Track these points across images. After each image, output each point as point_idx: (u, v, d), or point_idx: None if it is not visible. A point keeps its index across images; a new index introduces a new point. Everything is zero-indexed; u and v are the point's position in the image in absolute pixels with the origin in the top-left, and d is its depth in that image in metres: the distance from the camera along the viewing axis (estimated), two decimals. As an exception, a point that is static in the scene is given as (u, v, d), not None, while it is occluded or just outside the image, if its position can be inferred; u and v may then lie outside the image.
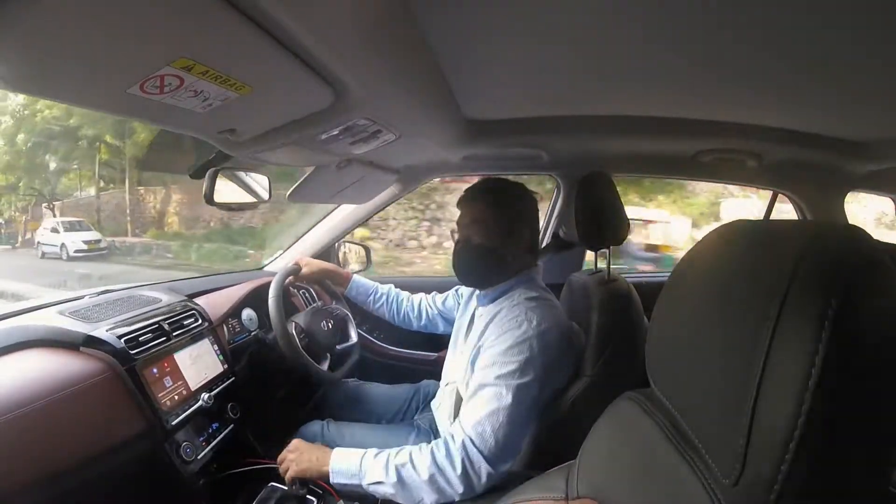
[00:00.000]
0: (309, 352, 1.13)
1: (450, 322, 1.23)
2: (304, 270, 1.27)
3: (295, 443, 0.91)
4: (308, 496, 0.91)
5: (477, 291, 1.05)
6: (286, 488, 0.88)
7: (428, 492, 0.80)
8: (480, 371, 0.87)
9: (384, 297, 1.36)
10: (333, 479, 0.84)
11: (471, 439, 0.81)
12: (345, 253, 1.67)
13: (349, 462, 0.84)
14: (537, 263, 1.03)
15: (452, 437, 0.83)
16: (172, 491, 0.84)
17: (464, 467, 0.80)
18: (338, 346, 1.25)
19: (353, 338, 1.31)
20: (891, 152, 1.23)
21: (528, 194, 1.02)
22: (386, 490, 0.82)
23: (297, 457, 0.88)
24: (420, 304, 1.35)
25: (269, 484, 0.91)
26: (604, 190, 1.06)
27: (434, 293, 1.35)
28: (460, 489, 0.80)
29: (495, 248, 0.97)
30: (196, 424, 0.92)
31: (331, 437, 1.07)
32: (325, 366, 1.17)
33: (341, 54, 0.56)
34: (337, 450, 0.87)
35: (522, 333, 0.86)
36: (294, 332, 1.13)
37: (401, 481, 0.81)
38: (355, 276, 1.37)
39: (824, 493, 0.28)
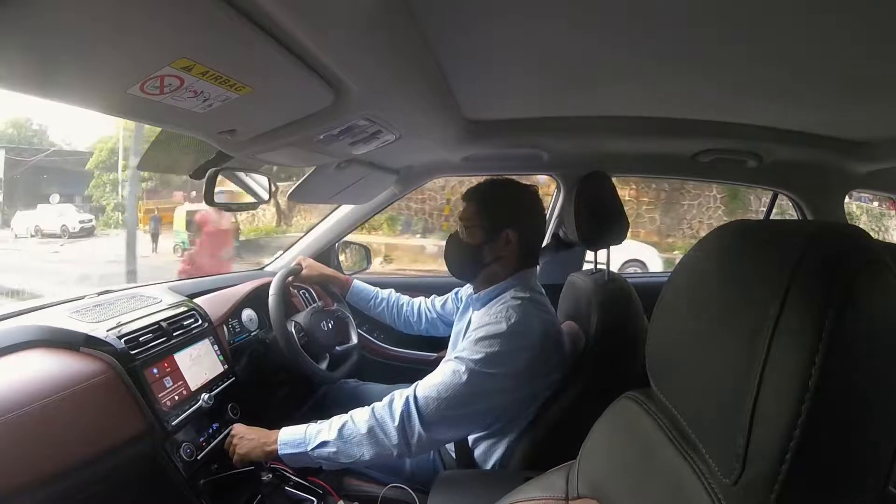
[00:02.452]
0: (307, 351, 1.13)
1: (449, 325, 1.23)
2: (305, 272, 1.27)
3: (237, 427, 0.94)
4: (308, 496, 0.91)
5: (473, 295, 1.05)
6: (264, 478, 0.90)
7: (367, 446, 0.84)
8: (451, 354, 0.91)
9: (384, 303, 1.36)
10: (281, 451, 0.87)
11: (415, 398, 0.86)
12: (345, 253, 1.67)
13: (295, 432, 0.88)
14: (535, 266, 1.04)
15: (400, 394, 0.87)
16: (173, 491, 0.84)
17: (401, 419, 0.84)
18: (338, 348, 1.25)
19: (354, 340, 1.31)
20: (891, 152, 1.23)
21: (525, 197, 1.02)
22: (329, 451, 0.85)
23: (239, 440, 0.90)
24: (419, 309, 1.35)
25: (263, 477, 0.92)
26: (604, 190, 1.05)
27: (433, 297, 1.35)
28: (396, 440, 0.84)
29: (477, 247, 0.99)
30: (196, 425, 0.92)
31: None
32: (323, 365, 1.17)
33: (341, 54, 0.56)
34: (285, 427, 0.91)
35: (497, 329, 0.88)
36: (293, 330, 1.14)
37: (341, 437, 0.85)
38: (355, 282, 1.37)
39: (824, 493, 0.28)
